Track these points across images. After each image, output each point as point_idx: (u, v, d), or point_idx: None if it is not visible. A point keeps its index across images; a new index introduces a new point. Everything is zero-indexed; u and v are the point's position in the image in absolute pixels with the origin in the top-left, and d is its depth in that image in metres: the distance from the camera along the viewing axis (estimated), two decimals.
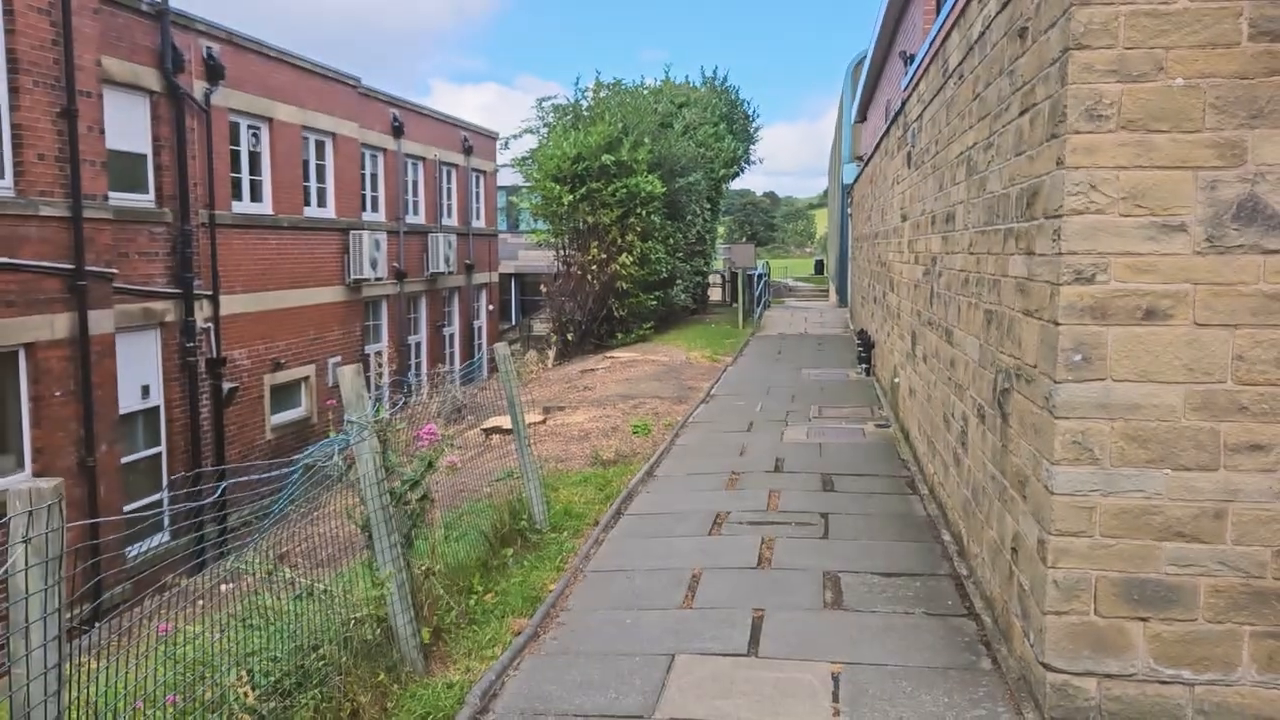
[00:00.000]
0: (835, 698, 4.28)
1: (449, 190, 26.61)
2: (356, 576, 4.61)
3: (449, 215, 26.57)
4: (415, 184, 24.42)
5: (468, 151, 27.14)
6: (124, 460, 12.98)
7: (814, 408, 12.20)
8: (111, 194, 12.52)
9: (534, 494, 7.11)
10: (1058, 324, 3.91)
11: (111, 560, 11.74)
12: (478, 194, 28.67)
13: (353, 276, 19.74)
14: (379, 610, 4.35)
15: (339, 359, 19.57)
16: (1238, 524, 3.85)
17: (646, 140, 20.59)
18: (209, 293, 15.26)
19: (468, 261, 27.21)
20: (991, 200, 5.29)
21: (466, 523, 6.91)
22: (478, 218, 28.57)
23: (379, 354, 22.27)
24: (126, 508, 13.02)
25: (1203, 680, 3.90)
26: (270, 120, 17.11)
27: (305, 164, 18.58)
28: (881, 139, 13.60)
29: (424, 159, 24.50)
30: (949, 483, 6.73)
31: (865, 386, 14.00)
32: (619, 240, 19.90)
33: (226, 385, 15.60)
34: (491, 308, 29.80)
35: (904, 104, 10.37)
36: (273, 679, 3.72)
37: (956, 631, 4.98)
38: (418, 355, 24.65)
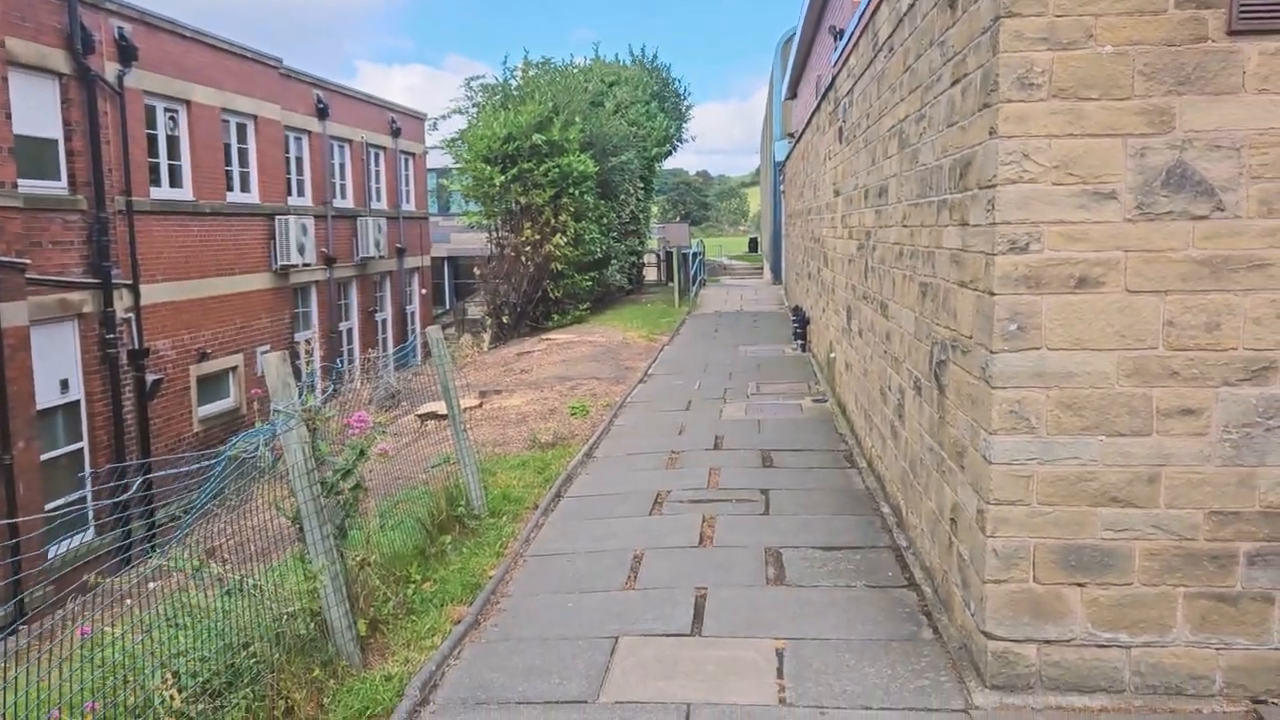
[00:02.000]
0: (780, 673, 4.27)
1: (377, 173, 26.09)
2: (288, 570, 4.46)
3: (378, 199, 26.06)
4: (342, 167, 23.88)
5: (395, 133, 26.62)
6: (44, 457, 12.52)
7: (752, 384, 12.22)
8: (21, 181, 12.01)
9: (471, 479, 6.98)
10: (993, 294, 3.92)
11: (33, 560, 11.33)
12: (407, 176, 28.16)
13: (280, 263, 19.27)
14: (312, 604, 4.21)
15: (268, 347, 19.11)
16: (1170, 488, 3.90)
17: (578, 119, 20.40)
18: (129, 282, 14.75)
19: (399, 245, 26.74)
20: (924, 172, 5.28)
21: (403, 510, 6.76)
22: (408, 201, 28.07)
23: (309, 341, 21.80)
24: (47, 505, 12.57)
25: (1139, 643, 3.96)
26: (188, 103, 16.55)
27: (227, 148, 18.03)
28: (812, 115, 13.62)
29: (351, 141, 23.97)
30: (887, 456, 6.77)
31: (801, 362, 14.08)
32: (552, 221, 19.72)
33: (150, 377, 15.13)
34: (424, 291, 29.36)
35: (834, 79, 10.37)
36: (201, 679, 3.57)
37: (898, 603, 5.01)
38: (349, 342, 24.19)
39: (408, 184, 28.19)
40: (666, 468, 8.19)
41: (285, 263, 19.30)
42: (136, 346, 14.88)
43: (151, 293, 15.36)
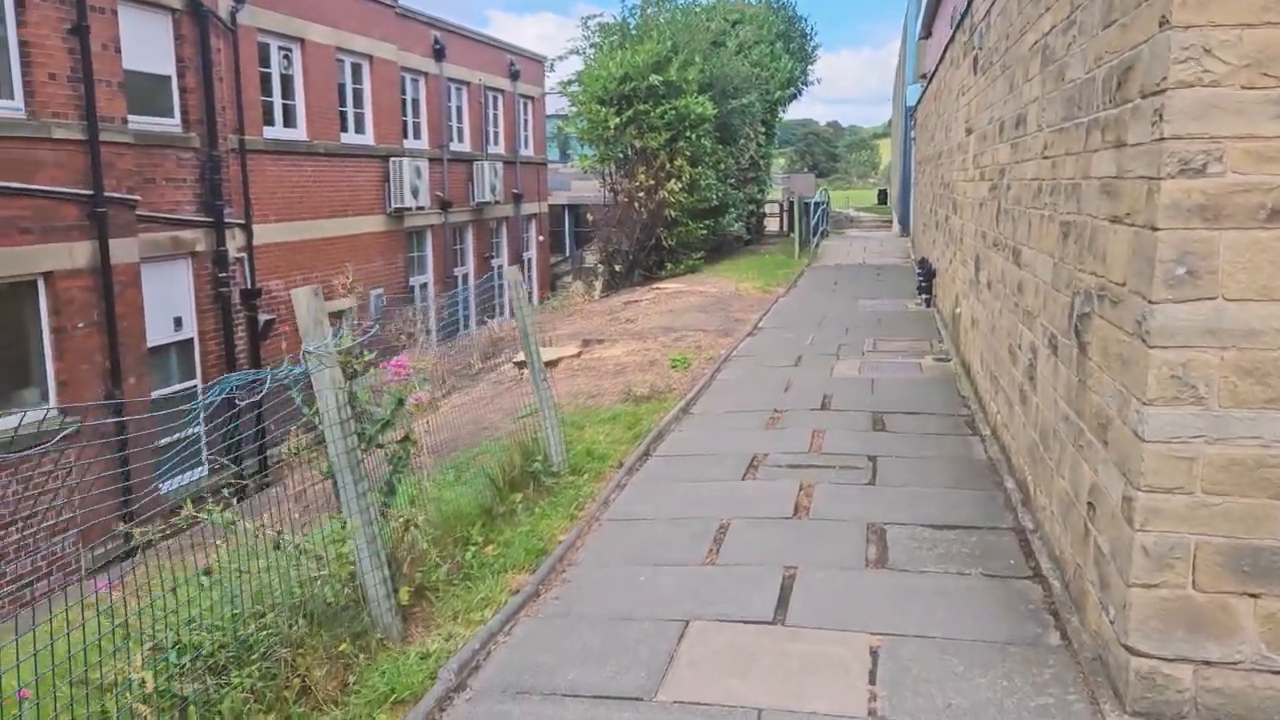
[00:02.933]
0: (872, 678, 3.63)
1: (495, 117, 25.83)
2: (324, 530, 4.04)
3: (495, 143, 25.83)
4: (459, 110, 23.69)
5: (514, 77, 26.27)
6: (157, 394, 12.71)
7: (869, 340, 11.39)
8: (135, 118, 12.03)
9: (551, 433, 6.50)
10: (1155, 229, 3.12)
11: (144, 497, 11.51)
12: (525, 121, 27.84)
13: (394, 205, 19.21)
14: (342, 568, 3.78)
15: (381, 291, 19.16)
16: None
17: (697, 59, 19.55)
18: (241, 221, 14.82)
19: (515, 191, 26.52)
20: (1072, 90, 4.43)
21: (479, 464, 6.34)
22: (526, 146, 27.78)
23: (424, 286, 21.82)
24: (160, 442, 12.78)
25: None
26: (302, 41, 16.46)
27: (341, 88, 17.95)
28: (946, 49, 12.51)
29: (468, 84, 23.73)
30: (1014, 423, 5.96)
31: (925, 318, 13.12)
32: (667, 165, 19.03)
33: (262, 317, 15.25)
34: (541, 238, 29.16)
35: (970, 3, 9.34)
36: (206, 653, 3.17)
37: (1019, 597, 4.28)
38: (464, 286, 24.16)
39: (526, 128, 27.88)
40: (766, 428, 7.54)
41: (399, 205, 19.23)
42: (249, 286, 14.99)
43: (264, 232, 15.42)
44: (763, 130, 24.50)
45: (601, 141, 19.25)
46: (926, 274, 14.16)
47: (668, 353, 10.76)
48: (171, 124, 13.55)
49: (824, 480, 6.05)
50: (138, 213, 11.81)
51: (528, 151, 27.71)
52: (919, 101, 21.50)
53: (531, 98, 27.62)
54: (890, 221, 41.20)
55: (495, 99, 25.74)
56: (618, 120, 18.44)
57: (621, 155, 19.77)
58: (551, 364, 10.18)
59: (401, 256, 20.05)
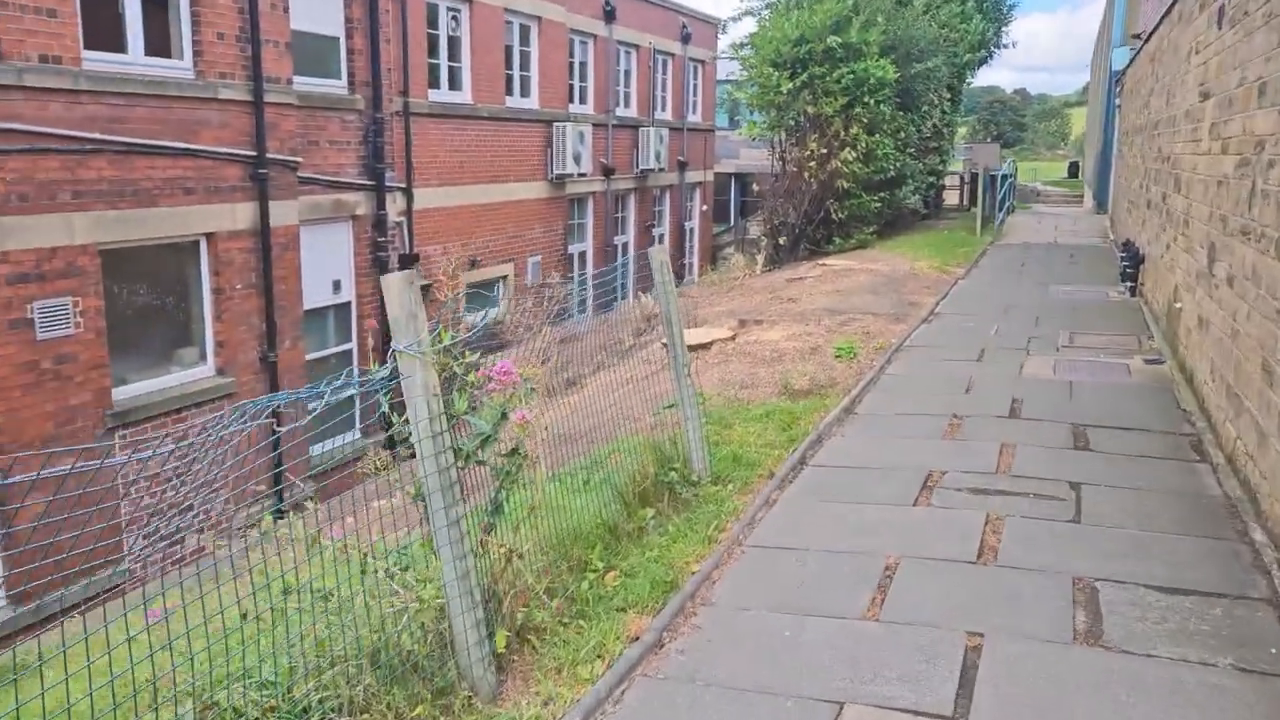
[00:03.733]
0: None
1: (664, 81, 25.09)
2: (410, 560, 3.43)
3: (663, 108, 25.10)
4: (628, 74, 23.06)
5: (685, 39, 25.41)
6: (312, 356, 12.71)
7: (1063, 333, 10.08)
8: (300, 79, 11.92)
9: (692, 434, 5.75)
10: None
11: (296, 459, 11.50)
12: (695, 86, 26.97)
13: (555, 172, 18.80)
14: (423, 615, 3.15)
15: (539, 258, 18.85)
16: None
17: (880, 19, 18.18)
18: (402, 185, 14.67)
19: (681, 159, 25.76)
20: None
21: (612, 465, 5.66)
22: (694, 111, 26.93)
23: (583, 254, 21.43)
24: (312, 405, 12.80)
25: None
26: (471, 2, 16.13)
27: (508, 50, 17.59)
28: (1174, 2, 10.88)
29: (638, 47, 23.05)
30: (1266, 458, 4.80)
31: (1130, 310, 11.61)
32: (841, 133, 17.82)
33: (419, 283, 15.09)
34: (705, 208, 28.33)
35: None
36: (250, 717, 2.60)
37: None
38: (624, 256, 23.66)
39: (695, 93, 27.02)
40: (944, 438, 6.55)
41: (560, 172, 18.81)
42: (407, 251, 14.87)
43: (425, 197, 15.25)
44: (948, 97, 22.79)
45: (773, 107, 18.20)
46: (1132, 259, 12.57)
47: (832, 339, 9.81)
48: (337, 86, 13.44)
49: (1015, 512, 5.07)
50: (300, 174, 11.72)
51: (695, 118, 26.85)
52: (1129, 65, 19.38)
53: (702, 61, 26.70)
54: (1082, 197, 38.20)
55: (665, 63, 24.97)
56: (791, 85, 17.35)
57: (793, 122, 18.67)
58: (702, 347, 9.43)
59: (561, 224, 19.67)
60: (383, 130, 13.96)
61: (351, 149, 13.63)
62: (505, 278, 17.82)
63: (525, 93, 18.28)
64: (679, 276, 26.80)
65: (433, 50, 15.46)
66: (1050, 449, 6.20)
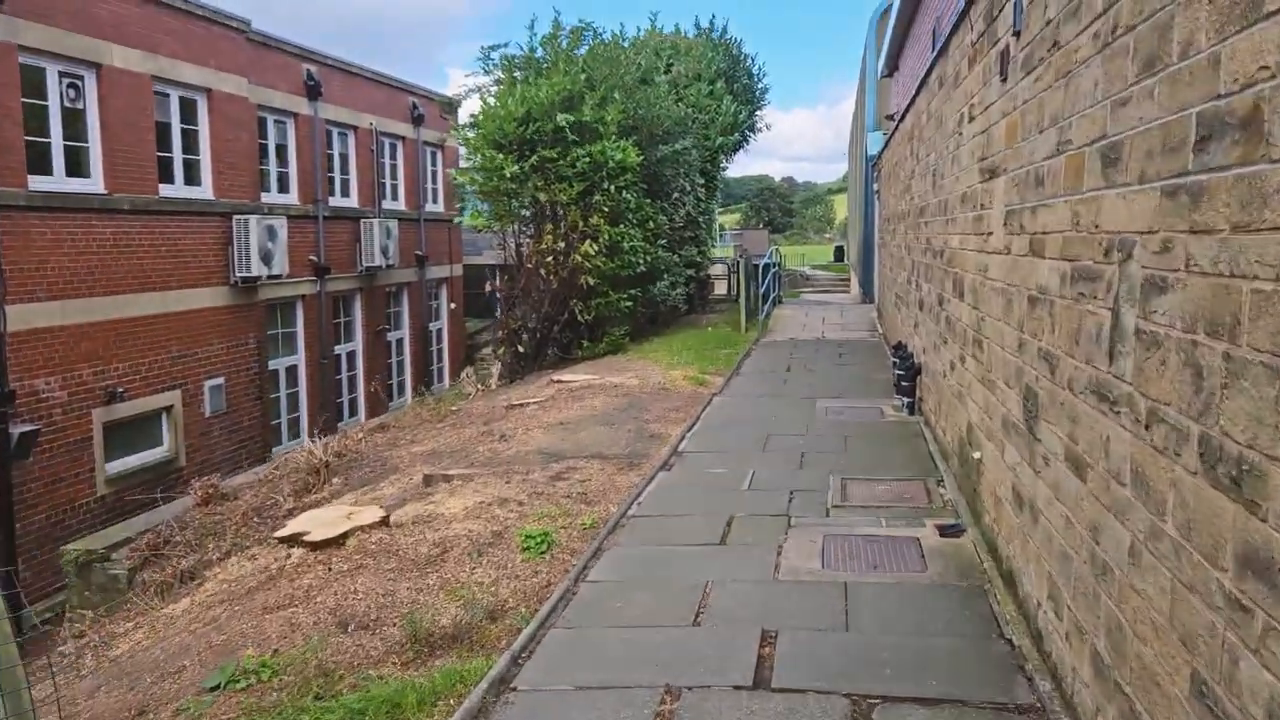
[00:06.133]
0: None
1: (393, 168, 22.21)
2: None
3: (393, 197, 22.17)
4: (345, 158, 20.03)
5: (418, 120, 22.71)
6: None
7: (834, 481, 7.73)
8: None
9: None
10: None
11: None
12: (433, 173, 24.24)
13: (240, 274, 15.38)
14: None
15: (221, 380, 15.26)
16: None
17: (617, 96, 16.09)
18: None
19: (419, 252, 22.82)
20: None
21: None
22: (433, 200, 24.14)
23: (292, 369, 17.94)
24: None
25: None
26: (98, 67, 12.73)
27: (164, 128, 14.21)
28: (934, 65, 9.08)
29: (355, 128, 20.10)
30: None
31: (910, 435, 9.51)
32: (581, 224, 15.44)
33: (18, 429, 11.28)
34: (453, 306, 25.40)
35: None
36: None
37: None
38: (351, 367, 20.31)
39: (434, 180, 24.27)
40: None
41: (245, 274, 15.41)
42: None
43: (28, 315, 11.55)
44: (702, 183, 21.05)
45: (499, 194, 15.62)
46: (908, 370, 10.59)
47: (533, 509, 7.00)
48: None
49: None
50: None
51: (436, 207, 24.07)
52: (885, 148, 18.23)
53: (441, 146, 24.04)
54: (849, 281, 38.05)
55: (394, 146, 22.14)
56: (516, 168, 14.85)
57: (526, 212, 16.17)
58: (332, 544, 6.38)
59: (254, 336, 16.17)
60: None
61: None
62: (169, 409, 14.12)
63: (193, 180, 14.88)
64: (427, 384, 23.64)
65: (38, 124, 11.92)
66: None
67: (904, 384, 10.58)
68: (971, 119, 6.72)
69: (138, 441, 13.57)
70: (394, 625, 5.10)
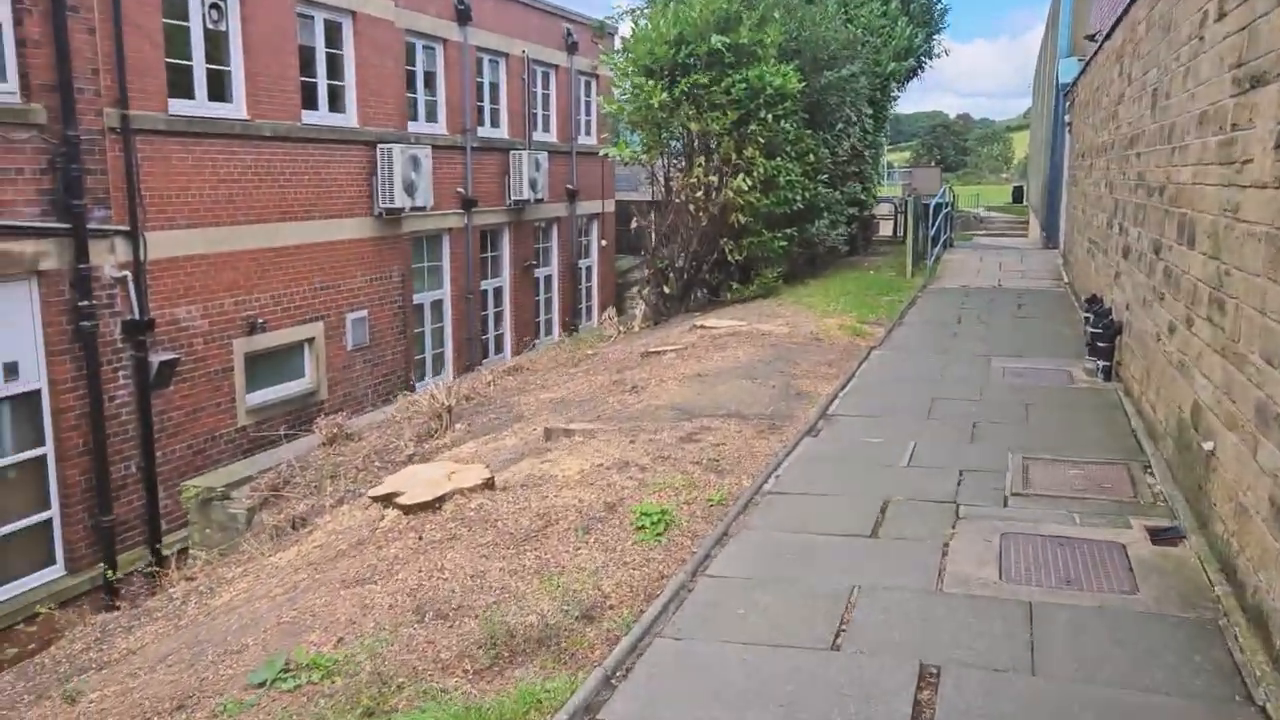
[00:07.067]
0: None
1: (545, 97, 21.49)
2: None
3: (544, 129, 21.49)
4: (495, 87, 19.42)
5: (571, 49, 21.86)
6: None
7: (1014, 462, 6.50)
8: None
9: None
10: None
11: None
12: (586, 103, 23.40)
13: (382, 204, 15.04)
14: None
15: (365, 313, 15.06)
16: None
17: (778, 15, 14.74)
18: (124, 228, 10.81)
19: (570, 187, 22.15)
20: None
21: None
22: (586, 133, 23.35)
23: (437, 304, 17.66)
24: None
25: None
26: None
27: (308, 52, 13.85)
28: None
29: (507, 55, 19.43)
30: None
31: (1105, 405, 8.10)
32: (734, 157, 14.29)
33: (158, 358, 11.22)
34: (604, 243, 24.70)
35: None
36: None
37: None
38: (497, 303, 19.94)
39: (587, 112, 23.45)
40: None
41: (389, 205, 15.05)
42: (137, 316, 10.98)
43: (167, 243, 11.42)
44: (870, 114, 19.38)
45: (649, 125, 14.62)
46: (1104, 327, 9.10)
47: (653, 479, 6.12)
48: (4, 91, 9.62)
49: None
50: None
51: (588, 139, 23.25)
52: (1080, 74, 16.18)
53: (595, 75, 23.14)
54: (1027, 223, 35.32)
55: (546, 75, 21.39)
56: (666, 96, 13.78)
57: (676, 143, 15.12)
58: (426, 508, 5.68)
59: (399, 268, 15.88)
60: (79, 153, 10.11)
61: (25, 180, 9.77)
62: (311, 341, 13.97)
63: (337, 107, 14.52)
64: (574, 322, 23.14)
65: (180, 46, 11.66)
66: None
67: (1099, 344, 9.09)
68: (1221, 16, 5.26)
69: (279, 373, 13.47)
70: (475, 617, 4.32)
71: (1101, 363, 9.01)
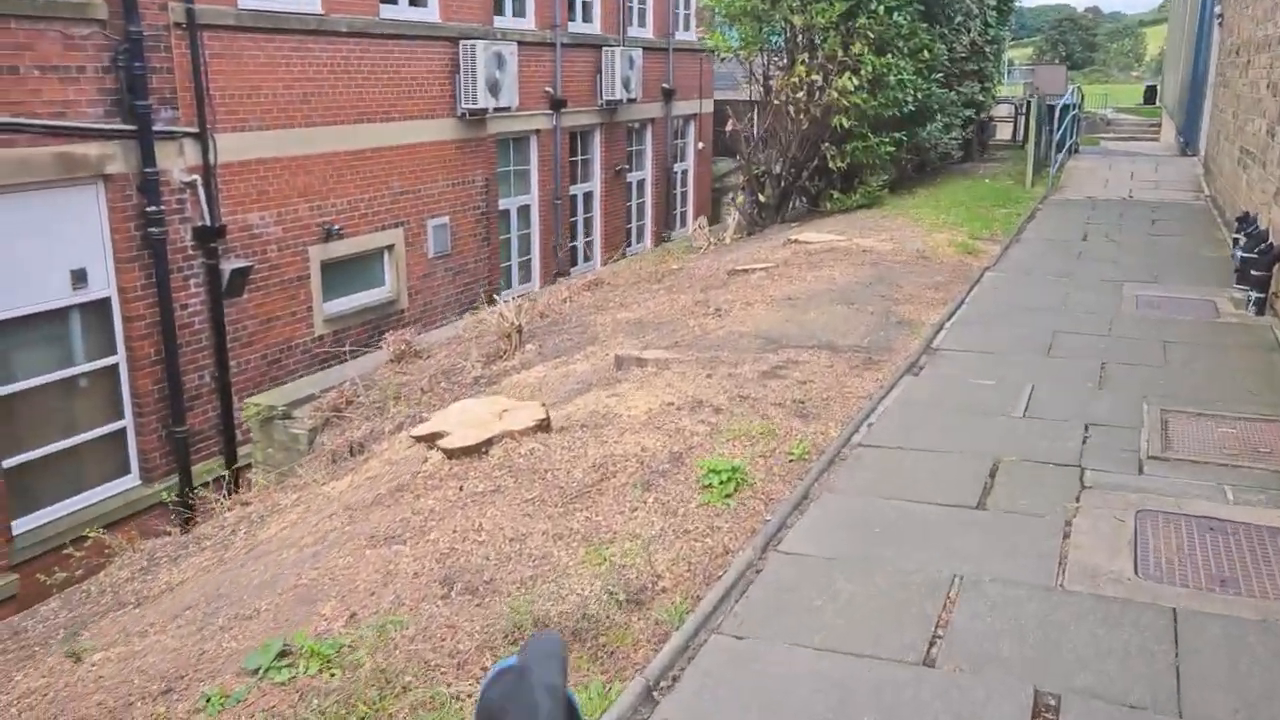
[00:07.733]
0: None
1: None
2: None
3: (640, 24, 20.33)
4: None
5: None
6: (49, 378, 9.00)
7: (1150, 416, 5.58)
8: None
9: None
10: None
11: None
12: None
13: (464, 105, 14.34)
14: None
15: (446, 220, 14.54)
16: None
17: None
18: (192, 130, 10.39)
19: (666, 86, 21.03)
20: None
21: None
22: (684, 28, 22.07)
23: (524, 209, 17.04)
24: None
25: None
26: None
27: None
28: None
29: None
30: None
31: (1260, 345, 7.03)
32: (840, 54, 13.07)
33: (229, 266, 10.91)
34: (701, 145, 23.58)
35: None
36: None
37: None
38: (588, 209, 19.22)
39: (686, 5, 22.14)
40: None
41: (471, 106, 14.34)
42: (208, 222, 10.64)
43: (239, 145, 10.96)
44: (993, 4, 17.68)
45: (749, 18, 13.46)
46: (1259, 251, 7.91)
47: (727, 424, 5.42)
48: None
49: None
50: None
51: (686, 35, 21.98)
52: None
53: None
54: (1159, 127, 32.61)
55: None
56: None
57: (777, 39, 13.94)
58: (472, 452, 5.11)
59: (481, 171, 15.25)
60: (142, 50, 9.65)
61: (88, 79, 9.36)
62: (390, 248, 13.54)
63: (418, 1, 13.76)
64: (668, 230, 22.31)
65: None
66: None
67: (1252, 271, 7.91)
68: None
69: (357, 282, 13.09)
70: (508, 593, 3.75)
71: (1254, 293, 7.85)
